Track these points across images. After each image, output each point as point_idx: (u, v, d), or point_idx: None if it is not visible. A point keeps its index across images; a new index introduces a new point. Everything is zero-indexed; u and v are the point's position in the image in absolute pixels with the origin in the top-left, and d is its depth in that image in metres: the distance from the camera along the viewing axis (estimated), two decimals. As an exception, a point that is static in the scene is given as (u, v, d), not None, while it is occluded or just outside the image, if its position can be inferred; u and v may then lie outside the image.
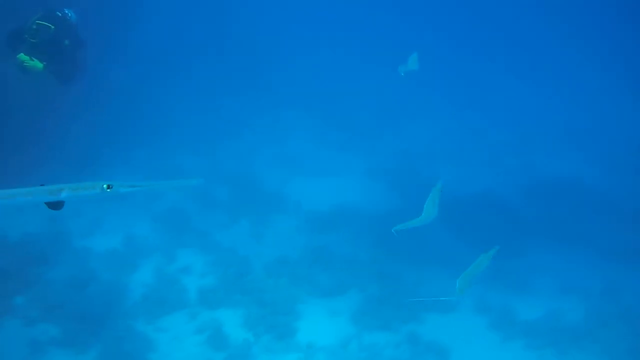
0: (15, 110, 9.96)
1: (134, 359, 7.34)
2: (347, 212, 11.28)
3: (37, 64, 7.55)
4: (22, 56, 7.52)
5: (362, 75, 18.54)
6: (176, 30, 18.38)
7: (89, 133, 12.50)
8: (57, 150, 11.51)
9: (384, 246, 10.06)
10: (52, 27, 7.65)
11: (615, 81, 20.24)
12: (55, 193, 3.20)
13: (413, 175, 12.96)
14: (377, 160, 13.83)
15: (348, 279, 9.24)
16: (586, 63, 21.55)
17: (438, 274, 9.52)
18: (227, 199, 11.57)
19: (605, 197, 12.64)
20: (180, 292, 8.71)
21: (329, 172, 13.20)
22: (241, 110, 16.00)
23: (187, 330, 8.03)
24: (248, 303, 8.47)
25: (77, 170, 11.47)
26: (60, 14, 8.01)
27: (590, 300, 9.10)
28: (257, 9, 21.16)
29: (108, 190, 3.16)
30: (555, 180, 13.09)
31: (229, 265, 9.34)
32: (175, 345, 7.74)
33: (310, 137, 15.06)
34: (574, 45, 22.86)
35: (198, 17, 19.43)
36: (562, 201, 11.91)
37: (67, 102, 10.99)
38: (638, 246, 10.61)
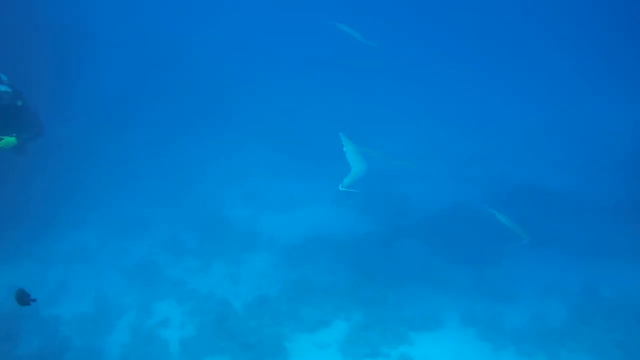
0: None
1: None
2: (322, 242, 11.16)
3: (10, 139, 7.14)
4: None
5: (318, 102, 18.75)
6: (125, 77, 18.21)
7: (47, 194, 12.09)
8: (16, 215, 11.09)
9: (362, 271, 10.01)
10: None
11: (569, 85, 21.16)
12: None
13: (382, 196, 13.03)
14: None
15: (331, 309, 9.08)
16: (541, 71, 22.47)
17: (420, 291, 9.53)
18: (198, 243, 11.29)
19: (570, 198, 12.98)
20: (161, 347, 8.34)
21: (298, 204, 13.10)
22: (200, 152, 15.80)
23: (173, 386, 7.67)
24: (233, 348, 8.17)
25: (40, 232, 11.10)
26: None
27: (571, 299, 9.23)
28: (205, 51, 21.18)
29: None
30: (521, 186, 13.38)
31: (208, 312, 9.03)
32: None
33: (274, 170, 14.97)
34: (530, 53, 23.87)
35: (146, 60, 19.29)
36: (531, 206, 12.14)
37: (21, 164, 10.58)
38: (609, 241, 10.89)
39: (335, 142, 15.75)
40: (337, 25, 11.04)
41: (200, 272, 10.38)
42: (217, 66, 20.53)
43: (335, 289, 9.59)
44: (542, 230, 11.12)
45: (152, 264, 10.45)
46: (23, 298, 5.47)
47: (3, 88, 7.14)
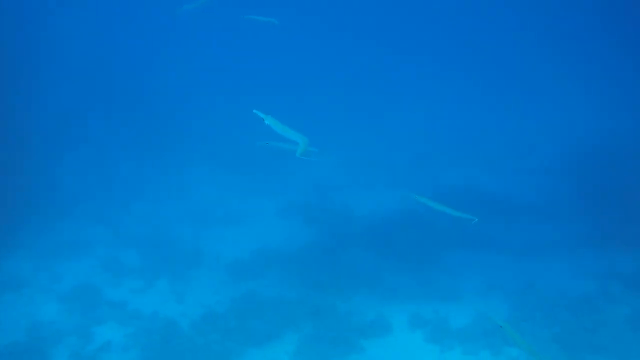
0: None
1: None
2: (268, 255, 11.09)
3: None
4: None
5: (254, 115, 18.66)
6: (64, 96, 17.58)
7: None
8: None
9: (310, 282, 10.01)
10: None
11: (502, 89, 22.13)
12: None
13: (325, 206, 13.14)
14: (287, 198, 13.83)
15: (281, 321, 9.00)
16: (474, 74, 23.34)
17: (368, 298, 9.62)
18: (139, 262, 10.92)
19: (504, 200, 13.60)
20: (103, 373, 7.96)
21: (242, 218, 12.96)
22: (140, 171, 15.37)
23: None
24: (180, 368, 7.92)
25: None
26: None
27: (512, 297, 9.59)
28: (146, 70, 20.82)
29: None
30: (457, 189, 13.86)
31: (153, 332, 8.72)
32: None
33: (216, 187, 14.77)
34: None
35: (85, 79, 18.70)
36: (467, 209, 12.54)
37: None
38: (543, 241, 11.44)
39: (273, 157, 15.95)
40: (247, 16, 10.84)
41: (143, 291, 10.03)
42: (156, 85, 20.18)
43: (284, 301, 9.54)
44: (480, 232, 11.55)
45: (91, 287, 9.99)
46: None
47: None
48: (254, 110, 6.68)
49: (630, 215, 12.08)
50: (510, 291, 9.76)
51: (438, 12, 27.00)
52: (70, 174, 14.47)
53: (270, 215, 13.16)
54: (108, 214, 12.95)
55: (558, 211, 12.78)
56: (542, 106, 20.37)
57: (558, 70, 22.58)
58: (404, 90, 22.58)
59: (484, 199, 13.46)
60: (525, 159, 16.41)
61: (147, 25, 24.21)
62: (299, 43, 25.06)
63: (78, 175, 14.60)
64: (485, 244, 11.25)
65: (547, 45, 24.76)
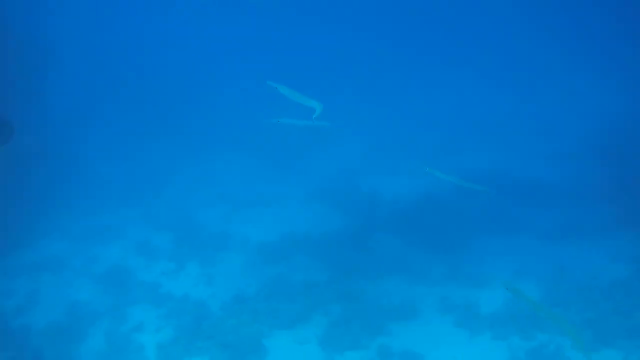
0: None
1: None
2: (296, 239, 11.16)
3: None
4: None
5: (282, 100, 18.66)
6: (92, 75, 17.91)
7: (13, 205, 11.71)
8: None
9: (339, 266, 10.03)
10: None
11: (537, 75, 21.61)
12: None
13: (352, 191, 13.11)
14: (314, 182, 13.86)
15: (309, 304, 9.05)
16: (509, 62, 22.86)
17: (397, 283, 9.59)
18: (171, 245, 11.16)
19: (537, 184, 13.26)
20: (137, 352, 8.19)
21: (270, 203, 13.08)
22: (169, 156, 15.61)
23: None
24: (212, 348, 8.08)
25: (6, 244, 10.74)
26: None
27: (543, 282, 9.41)
28: (176, 56, 20.99)
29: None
30: (489, 174, 13.60)
31: (185, 314, 8.92)
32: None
33: (244, 171, 14.91)
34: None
35: (115, 66, 19.03)
36: (499, 193, 12.36)
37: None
38: (576, 225, 11.14)
39: (301, 142, 15.95)
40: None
41: (174, 274, 10.25)
42: (187, 72, 20.36)
43: (313, 285, 9.59)
44: (512, 216, 11.36)
45: (125, 269, 10.28)
46: None
47: None
48: (268, 82, 6.73)
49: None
50: (541, 276, 9.55)
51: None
52: (105, 160, 14.79)
53: (298, 199, 13.22)
54: (140, 199, 13.24)
55: (588, 194, 12.39)
56: (568, 89, 19.81)
57: (582, 53, 21.94)
58: (430, 74, 22.25)
59: (512, 182, 13.17)
60: (552, 142, 16.02)
61: (169, 10, 24.36)
62: (325, 27, 24.87)
63: (112, 161, 14.93)
64: (514, 228, 11.04)
65: (569, 29, 24.05)
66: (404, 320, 8.66)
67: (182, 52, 22.07)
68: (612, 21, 23.62)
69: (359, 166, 14.72)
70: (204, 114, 17.94)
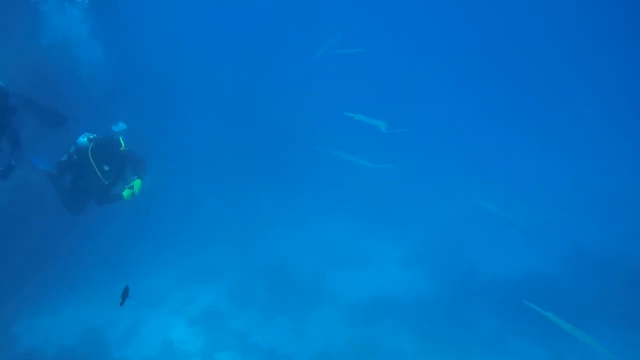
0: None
1: None
2: (387, 302, 10.91)
3: (138, 182, 7.90)
4: None
5: (384, 158, 18.68)
6: (197, 123, 18.96)
7: (116, 237, 12.61)
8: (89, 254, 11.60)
9: (428, 336, 9.66)
10: None
11: None
12: None
13: (449, 260, 12.66)
14: (410, 246, 13.55)
15: (395, 374, 8.75)
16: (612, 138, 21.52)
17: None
18: (263, 295, 11.34)
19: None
20: (221, 399, 8.31)
21: (365, 262, 12.92)
22: (270, 202, 16.04)
23: None
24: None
25: (111, 272, 11.47)
26: None
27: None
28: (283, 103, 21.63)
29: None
30: (601, 256, 12.53)
31: (270, 367, 8.96)
32: None
33: (341, 226, 14.91)
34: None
35: (219, 105, 19.97)
36: (613, 278, 11.32)
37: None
38: None
39: (401, 202, 15.72)
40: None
41: (263, 325, 10.38)
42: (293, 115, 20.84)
43: (399, 352, 9.28)
44: (630, 308, 10.31)
45: (218, 313, 10.59)
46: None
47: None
48: (345, 113, 7.25)
49: None
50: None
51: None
52: (213, 199, 15.43)
53: (392, 262, 12.97)
54: (241, 242, 13.66)
55: None
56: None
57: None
58: (548, 141, 21.29)
59: (634, 269, 11.97)
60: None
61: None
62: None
63: (220, 201, 15.54)
64: (633, 322, 9.97)
65: None
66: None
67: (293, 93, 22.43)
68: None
69: (460, 233, 14.20)
70: (308, 163, 18.22)
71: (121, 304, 6.19)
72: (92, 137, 7.86)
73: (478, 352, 9.27)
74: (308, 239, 14.01)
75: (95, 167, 7.64)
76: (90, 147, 7.69)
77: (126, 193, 7.78)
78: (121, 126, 7.98)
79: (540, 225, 14.63)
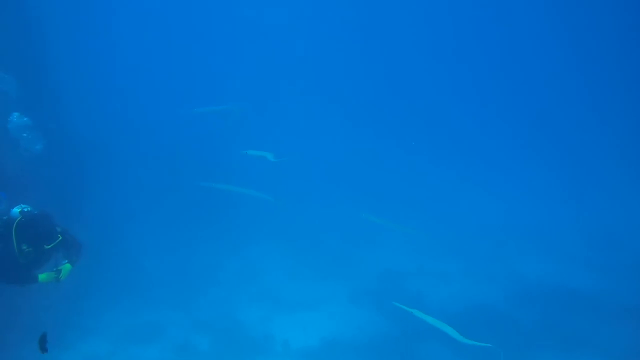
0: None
1: None
2: (339, 343, 10.75)
3: (67, 267, 7.15)
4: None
5: (324, 197, 18.87)
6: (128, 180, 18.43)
7: (53, 302, 11.79)
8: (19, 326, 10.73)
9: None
10: None
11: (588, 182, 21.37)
12: None
13: (399, 295, 12.69)
14: (358, 284, 13.53)
15: (353, 419, 8.49)
16: (561, 168, 22.83)
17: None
18: (211, 348, 10.87)
19: (596, 299, 12.53)
20: None
21: (312, 304, 12.74)
22: (207, 253, 15.64)
23: None
24: None
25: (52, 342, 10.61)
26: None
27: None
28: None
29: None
30: (540, 283, 13.06)
31: None
32: None
33: (286, 270, 14.72)
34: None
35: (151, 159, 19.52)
36: (553, 305, 11.76)
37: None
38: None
39: (346, 241, 15.79)
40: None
41: (213, 379, 9.89)
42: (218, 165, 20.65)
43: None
44: (572, 332, 10.68)
45: (164, 372, 9.99)
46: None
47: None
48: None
49: None
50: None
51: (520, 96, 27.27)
52: (150, 257, 14.88)
53: (341, 302, 12.87)
54: (182, 296, 13.12)
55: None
56: (629, 199, 19.32)
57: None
58: (481, 175, 22.27)
59: (571, 295, 12.51)
60: (617, 255, 15.30)
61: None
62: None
63: (157, 256, 15.00)
64: (576, 345, 10.30)
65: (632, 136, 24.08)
66: None
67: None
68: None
69: (405, 268, 14.38)
70: (246, 209, 18.00)
71: (43, 351, 5.54)
72: (26, 209, 7.12)
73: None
74: (252, 285, 13.70)
75: (14, 241, 6.99)
76: (17, 220, 7.11)
77: (43, 277, 6.98)
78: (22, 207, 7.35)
79: (481, 257, 15.12)
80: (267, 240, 16.31)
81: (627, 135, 25.02)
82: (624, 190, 20.28)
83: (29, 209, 7.13)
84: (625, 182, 20.81)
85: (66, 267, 7.10)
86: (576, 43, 28.73)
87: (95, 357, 10.55)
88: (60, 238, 7.07)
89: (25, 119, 8.89)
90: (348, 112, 25.07)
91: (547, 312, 11.55)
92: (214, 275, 14.31)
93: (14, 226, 6.87)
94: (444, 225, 17.64)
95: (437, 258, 14.97)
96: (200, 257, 15.38)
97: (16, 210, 7.09)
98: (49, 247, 6.95)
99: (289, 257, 15.37)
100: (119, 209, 16.89)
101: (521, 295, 12.56)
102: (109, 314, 12.11)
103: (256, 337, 11.18)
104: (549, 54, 29.09)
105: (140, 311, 12.34)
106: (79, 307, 11.94)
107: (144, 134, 19.98)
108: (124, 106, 20.94)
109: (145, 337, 11.28)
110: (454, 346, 10.32)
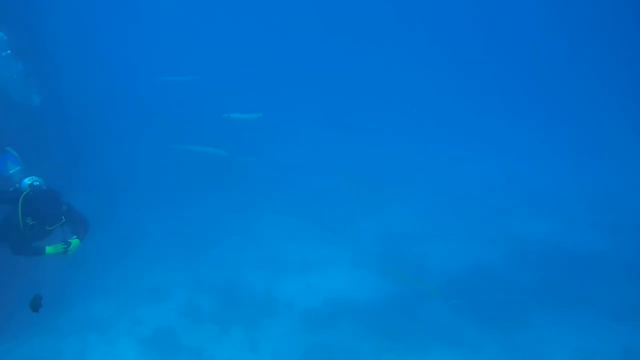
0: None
1: None
2: (342, 305, 10.92)
3: (75, 242, 7.14)
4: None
5: (332, 160, 18.90)
6: (134, 142, 18.44)
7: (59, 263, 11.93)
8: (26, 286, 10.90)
9: (386, 335, 9.72)
10: None
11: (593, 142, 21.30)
12: None
13: (399, 257, 12.85)
14: (360, 247, 13.67)
15: (355, 375, 8.73)
16: (565, 127, 22.72)
17: (446, 356, 9.17)
18: (215, 309, 11.06)
19: (597, 259, 12.67)
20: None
21: (316, 267, 12.90)
22: (212, 216, 15.77)
23: None
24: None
25: (53, 303, 10.82)
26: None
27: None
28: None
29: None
30: (540, 244, 13.17)
31: (228, 381, 8.71)
32: None
33: (289, 233, 14.84)
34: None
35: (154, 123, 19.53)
36: (557, 266, 11.88)
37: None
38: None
39: (348, 205, 15.89)
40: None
41: (218, 338, 10.10)
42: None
43: (358, 354, 9.28)
44: (572, 292, 10.83)
45: (169, 331, 10.20)
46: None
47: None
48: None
49: None
50: (606, 357, 8.96)
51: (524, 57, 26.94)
52: (153, 219, 15.02)
53: (343, 264, 13.02)
54: (186, 259, 13.30)
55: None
56: (630, 159, 19.29)
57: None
58: (483, 138, 22.20)
59: (572, 256, 12.64)
60: (615, 215, 15.38)
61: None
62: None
63: (160, 220, 15.14)
64: (575, 304, 10.48)
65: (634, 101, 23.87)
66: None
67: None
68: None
69: (407, 231, 14.49)
70: (251, 172, 18.04)
71: (35, 310, 5.56)
72: (36, 183, 7.11)
73: (435, 345, 9.40)
74: (256, 249, 13.83)
75: (20, 213, 6.99)
76: (25, 193, 7.10)
77: (50, 249, 6.99)
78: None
79: (482, 219, 15.21)
80: (270, 203, 16.39)
81: (628, 96, 24.80)
82: (625, 151, 20.25)
83: (39, 183, 7.11)
84: (626, 143, 20.76)
85: (75, 242, 7.09)
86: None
87: (103, 317, 10.76)
88: (64, 220, 7.05)
89: (18, 63, 8.70)
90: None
91: (547, 272, 11.69)
92: (216, 237, 14.43)
93: (21, 199, 6.89)
94: (446, 188, 17.73)
95: (438, 220, 15.07)
96: (202, 219, 15.51)
97: (27, 182, 7.09)
98: (50, 228, 6.94)
99: (292, 220, 15.48)
100: (121, 171, 16.98)
101: (521, 256, 12.70)
102: (114, 274, 12.27)
103: (260, 299, 11.35)
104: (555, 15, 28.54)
105: (144, 273, 12.52)
106: (85, 268, 12.08)
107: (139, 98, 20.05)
108: (119, 72, 20.95)
109: (151, 297, 11.46)
110: (454, 306, 10.54)
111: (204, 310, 10.99)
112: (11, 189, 7.17)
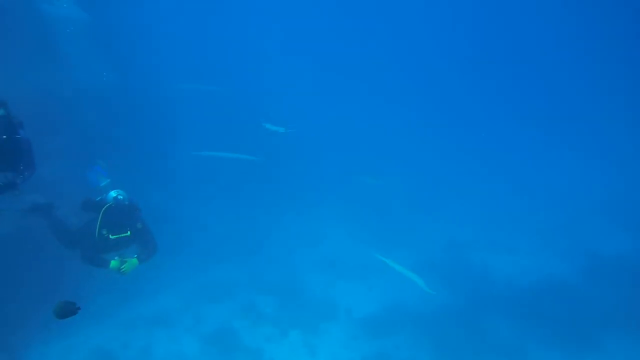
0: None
1: None
2: (401, 313, 10.78)
3: (133, 261, 7.38)
4: None
5: (395, 165, 18.65)
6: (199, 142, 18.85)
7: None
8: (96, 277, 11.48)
9: (444, 347, 9.48)
10: None
11: None
12: None
13: (463, 267, 12.50)
14: (422, 254, 13.40)
15: (413, 387, 8.57)
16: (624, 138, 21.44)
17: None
18: (274, 311, 11.21)
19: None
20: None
21: (376, 272, 12.77)
22: (275, 212, 15.93)
23: None
24: None
25: (124, 297, 11.34)
26: None
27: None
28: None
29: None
30: (617, 259, 12.38)
31: (286, 384, 8.81)
32: None
33: (350, 236, 14.79)
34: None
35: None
36: (631, 283, 11.14)
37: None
38: None
39: (412, 210, 15.60)
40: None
41: (277, 341, 10.23)
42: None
43: (417, 365, 9.12)
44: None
45: (230, 331, 10.44)
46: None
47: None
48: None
49: None
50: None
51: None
52: (217, 220, 15.34)
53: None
54: (248, 258, 13.54)
55: None
56: None
57: None
58: (561, 141, 21.22)
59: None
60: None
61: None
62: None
63: (225, 221, 15.45)
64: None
65: None
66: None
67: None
68: None
69: (471, 239, 14.06)
70: (313, 177, 18.11)
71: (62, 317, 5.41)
72: (120, 197, 7.46)
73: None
74: (315, 249, 13.87)
75: (98, 223, 7.32)
76: (108, 205, 7.38)
77: (114, 263, 7.24)
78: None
79: (554, 229, 14.50)
80: (332, 207, 16.39)
81: None
82: None
83: (122, 197, 7.48)
84: None
85: (133, 261, 7.33)
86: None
87: (169, 313, 11.15)
88: (129, 234, 7.35)
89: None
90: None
91: (624, 291, 11.00)
92: (277, 237, 14.59)
93: (103, 210, 7.30)
94: (516, 198, 17.07)
95: (506, 229, 14.51)
96: (262, 218, 15.68)
97: (112, 194, 7.48)
98: (113, 237, 7.26)
99: (352, 225, 15.41)
100: (187, 171, 17.44)
101: (596, 272, 12.00)
102: (178, 271, 12.66)
103: (319, 303, 11.39)
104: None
105: (207, 270, 12.83)
106: (155, 261, 12.50)
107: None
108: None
109: (214, 296, 11.76)
110: (518, 322, 10.12)
111: (264, 311, 11.15)
112: (98, 199, 7.61)
